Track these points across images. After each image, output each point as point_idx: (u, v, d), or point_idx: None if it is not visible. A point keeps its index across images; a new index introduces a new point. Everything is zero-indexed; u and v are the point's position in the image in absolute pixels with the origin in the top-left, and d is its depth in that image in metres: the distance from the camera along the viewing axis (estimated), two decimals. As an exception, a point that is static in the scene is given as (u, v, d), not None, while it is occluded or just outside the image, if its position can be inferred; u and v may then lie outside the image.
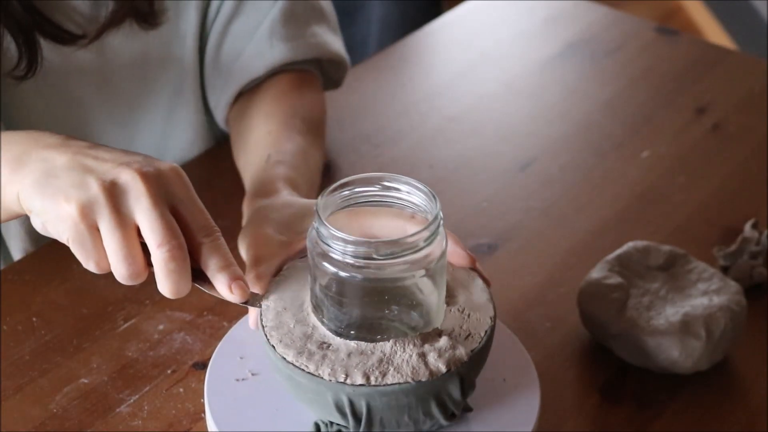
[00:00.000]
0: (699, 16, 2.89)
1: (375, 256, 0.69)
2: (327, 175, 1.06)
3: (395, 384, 0.69)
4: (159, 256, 0.69)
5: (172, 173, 0.72)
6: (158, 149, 1.05)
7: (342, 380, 0.69)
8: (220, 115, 1.06)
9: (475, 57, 1.27)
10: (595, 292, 0.86)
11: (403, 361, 0.70)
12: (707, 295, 0.86)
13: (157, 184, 0.70)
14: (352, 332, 0.72)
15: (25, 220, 0.97)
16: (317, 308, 0.73)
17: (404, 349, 0.70)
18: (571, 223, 1.02)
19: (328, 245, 0.70)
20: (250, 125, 1.01)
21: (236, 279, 0.72)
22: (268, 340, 0.72)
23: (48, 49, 0.92)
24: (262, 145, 0.96)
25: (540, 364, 0.80)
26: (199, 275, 0.72)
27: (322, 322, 0.72)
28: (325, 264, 0.70)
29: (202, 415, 0.81)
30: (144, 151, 1.04)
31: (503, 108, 1.19)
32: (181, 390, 0.83)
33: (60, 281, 0.92)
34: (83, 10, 0.93)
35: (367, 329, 0.72)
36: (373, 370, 0.69)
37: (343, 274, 0.69)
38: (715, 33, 2.78)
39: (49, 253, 0.95)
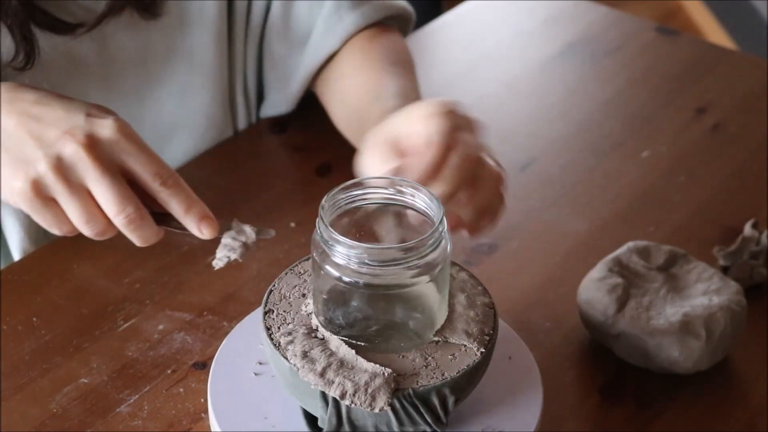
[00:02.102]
0: (699, 16, 2.89)
1: (377, 263, 0.69)
2: (327, 175, 1.06)
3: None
4: (118, 223, 0.74)
5: (115, 132, 0.73)
6: (166, 139, 1.05)
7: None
8: (296, 87, 1.06)
9: (475, 57, 1.27)
10: (595, 292, 0.86)
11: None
12: (707, 295, 0.86)
13: (101, 150, 0.73)
14: (359, 339, 0.72)
15: (24, 220, 0.97)
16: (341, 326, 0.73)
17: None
18: (571, 223, 1.02)
19: (332, 249, 0.69)
20: (342, 86, 1.01)
21: (203, 218, 0.75)
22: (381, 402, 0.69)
23: (49, 44, 0.91)
24: (361, 96, 0.95)
25: (540, 364, 0.80)
26: (168, 217, 0.75)
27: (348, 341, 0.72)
28: (328, 268, 0.70)
29: (202, 415, 0.81)
30: (153, 139, 1.04)
31: (503, 108, 1.19)
32: (181, 390, 0.83)
33: (60, 281, 0.92)
34: (82, 2, 0.93)
35: (371, 335, 0.72)
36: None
37: (346, 279, 0.69)
38: (715, 33, 2.78)
39: (49, 253, 0.95)
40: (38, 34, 0.90)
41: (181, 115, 1.05)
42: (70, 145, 0.72)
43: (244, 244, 0.77)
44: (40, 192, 0.73)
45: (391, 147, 0.76)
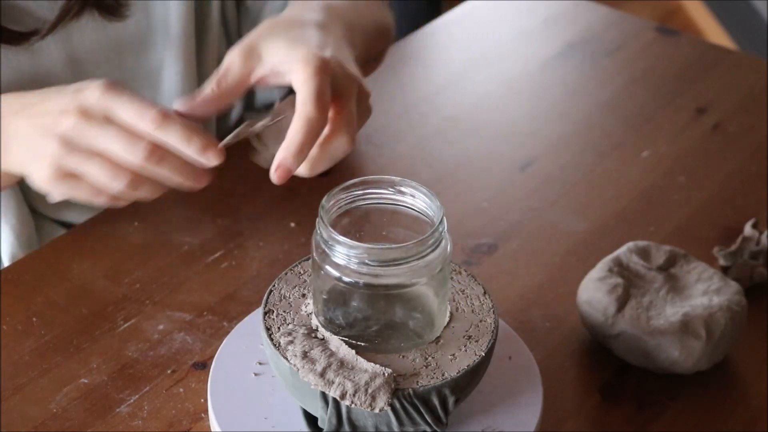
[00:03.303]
0: (699, 16, 2.89)
1: (378, 263, 0.69)
2: (328, 175, 1.06)
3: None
4: (139, 158, 0.77)
5: (100, 94, 0.77)
6: None
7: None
8: None
9: (475, 57, 1.27)
10: (595, 292, 0.86)
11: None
12: (707, 295, 0.86)
13: (93, 113, 0.77)
14: (359, 339, 0.72)
15: (16, 226, 0.96)
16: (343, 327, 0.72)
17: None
18: (571, 223, 1.02)
19: (332, 250, 0.69)
20: None
21: (205, 148, 0.76)
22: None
23: (17, 56, 0.91)
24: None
25: (540, 364, 0.80)
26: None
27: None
28: (328, 268, 0.70)
29: (203, 415, 0.81)
30: None
31: (503, 108, 1.19)
32: (181, 390, 0.83)
33: (60, 281, 0.92)
34: (40, 15, 0.91)
35: (371, 335, 0.72)
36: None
37: (346, 279, 0.69)
38: (715, 33, 2.78)
39: (49, 253, 0.95)
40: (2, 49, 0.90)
41: None
42: (66, 122, 0.77)
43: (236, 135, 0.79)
44: (61, 173, 0.79)
45: (252, 58, 0.80)
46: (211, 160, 0.77)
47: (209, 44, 1.05)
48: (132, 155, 0.76)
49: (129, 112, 0.76)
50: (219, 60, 1.06)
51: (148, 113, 0.76)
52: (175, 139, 0.76)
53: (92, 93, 0.78)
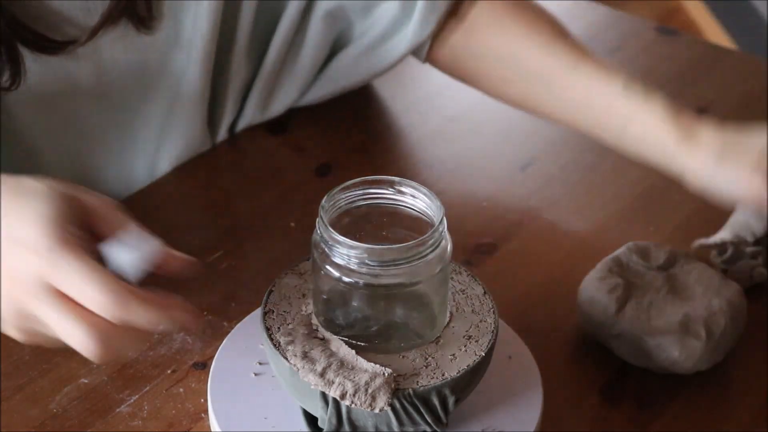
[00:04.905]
0: (699, 16, 2.89)
1: (378, 263, 0.69)
2: (328, 175, 1.06)
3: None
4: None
5: (40, 283, 0.65)
6: (153, 158, 1.05)
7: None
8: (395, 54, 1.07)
9: (475, 57, 1.27)
10: (595, 292, 0.86)
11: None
12: (707, 295, 0.86)
13: (56, 291, 0.65)
14: (359, 339, 0.72)
15: None
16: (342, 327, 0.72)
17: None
18: (571, 223, 1.02)
19: (332, 250, 0.69)
20: (506, 48, 1.04)
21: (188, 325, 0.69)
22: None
23: (44, 66, 0.91)
24: (544, 61, 1.01)
25: (540, 364, 0.80)
26: None
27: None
28: (329, 268, 0.70)
29: (203, 415, 0.81)
30: (140, 159, 1.04)
31: (503, 108, 1.19)
32: (181, 390, 0.83)
33: (60, 281, 0.92)
34: (75, 20, 0.92)
35: (371, 335, 0.72)
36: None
37: (346, 279, 0.69)
38: (715, 33, 2.78)
39: (49, 253, 0.95)
40: (32, 56, 0.89)
41: (168, 131, 1.03)
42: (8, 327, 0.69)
43: None
44: (23, 330, 0.69)
45: None
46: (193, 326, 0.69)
47: (232, 59, 1.04)
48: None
49: (81, 295, 0.65)
50: (239, 72, 1.06)
51: (97, 293, 0.64)
52: (142, 324, 0.66)
53: (32, 269, 0.65)
